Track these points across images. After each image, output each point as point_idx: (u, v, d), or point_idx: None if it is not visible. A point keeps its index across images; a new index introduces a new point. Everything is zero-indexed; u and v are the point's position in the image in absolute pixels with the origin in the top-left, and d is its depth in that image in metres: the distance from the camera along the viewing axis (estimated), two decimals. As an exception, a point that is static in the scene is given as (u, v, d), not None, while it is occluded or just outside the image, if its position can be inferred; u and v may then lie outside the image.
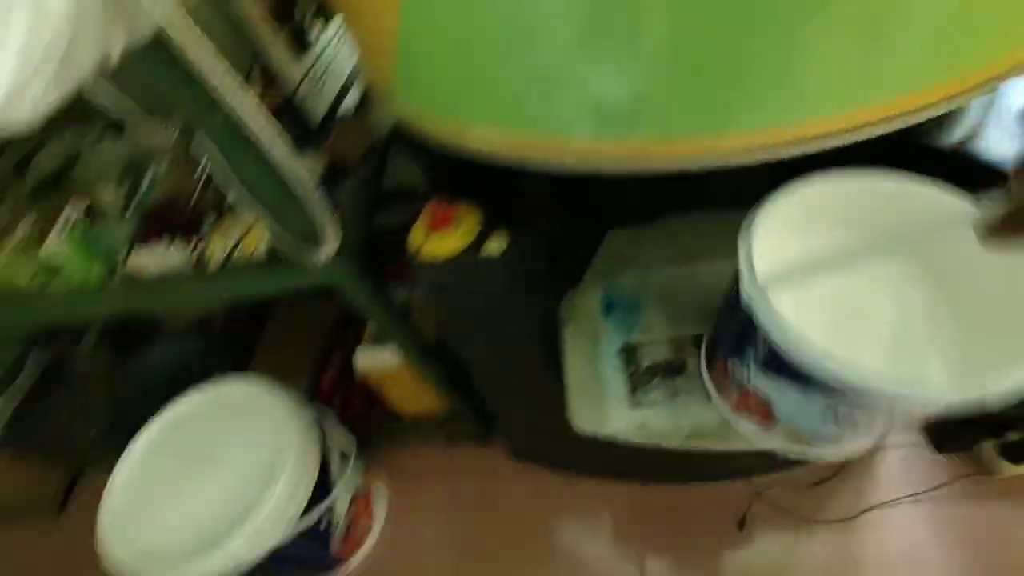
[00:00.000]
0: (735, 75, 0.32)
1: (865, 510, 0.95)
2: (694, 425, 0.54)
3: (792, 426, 0.49)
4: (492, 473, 1.16)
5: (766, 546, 0.95)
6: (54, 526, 1.36)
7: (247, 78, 0.80)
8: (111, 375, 1.53)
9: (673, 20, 0.30)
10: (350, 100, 0.87)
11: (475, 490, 1.16)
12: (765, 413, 0.49)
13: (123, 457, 0.88)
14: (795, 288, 0.40)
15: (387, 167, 0.84)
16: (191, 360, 1.42)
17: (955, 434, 0.96)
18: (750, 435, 0.52)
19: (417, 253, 0.57)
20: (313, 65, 0.78)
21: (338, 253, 0.63)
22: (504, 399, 0.89)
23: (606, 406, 0.58)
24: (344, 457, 1.00)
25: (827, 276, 0.41)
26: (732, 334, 0.47)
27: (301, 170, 0.43)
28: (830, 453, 0.51)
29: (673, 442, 0.53)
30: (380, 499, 1.14)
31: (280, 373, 1.33)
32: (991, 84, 0.34)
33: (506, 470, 1.15)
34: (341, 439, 1.02)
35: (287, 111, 0.76)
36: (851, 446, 0.50)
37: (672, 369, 0.59)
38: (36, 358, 1.56)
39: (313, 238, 0.53)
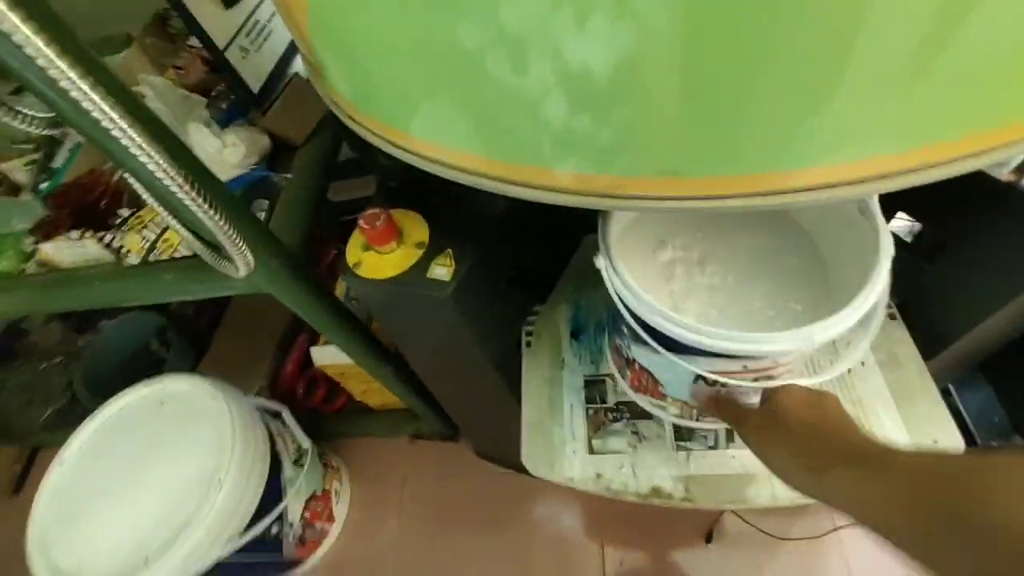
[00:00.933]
0: (759, 107, 0.24)
1: (832, 529, 0.92)
2: (654, 483, 0.48)
3: (679, 399, 0.48)
4: (457, 472, 1.12)
5: (731, 560, 0.93)
6: (10, 508, 1.32)
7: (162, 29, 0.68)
8: (67, 350, 1.46)
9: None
10: (300, 62, 0.74)
11: (440, 489, 1.12)
12: (653, 387, 0.48)
13: (54, 462, 0.82)
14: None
15: (342, 143, 0.73)
16: (150, 338, 1.34)
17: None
18: (651, 410, 0.52)
19: (353, 269, 0.49)
20: (250, 17, 0.65)
21: (268, 260, 0.55)
22: (463, 412, 0.83)
23: (561, 449, 0.51)
24: (298, 460, 0.94)
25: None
26: (610, 310, 0.47)
27: (182, 189, 0.34)
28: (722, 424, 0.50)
29: (630, 498, 0.48)
30: (342, 498, 1.09)
31: (241, 357, 1.27)
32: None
33: (472, 468, 1.11)
34: (297, 440, 0.96)
35: (222, 72, 0.64)
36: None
37: (640, 411, 0.52)
38: (-12, 329, 1.48)
39: (224, 255, 0.44)
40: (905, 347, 0.50)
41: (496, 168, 0.32)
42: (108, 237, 0.61)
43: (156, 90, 0.64)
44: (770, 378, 0.38)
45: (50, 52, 0.26)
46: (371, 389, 1.04)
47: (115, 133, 0.29)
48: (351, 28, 0.30)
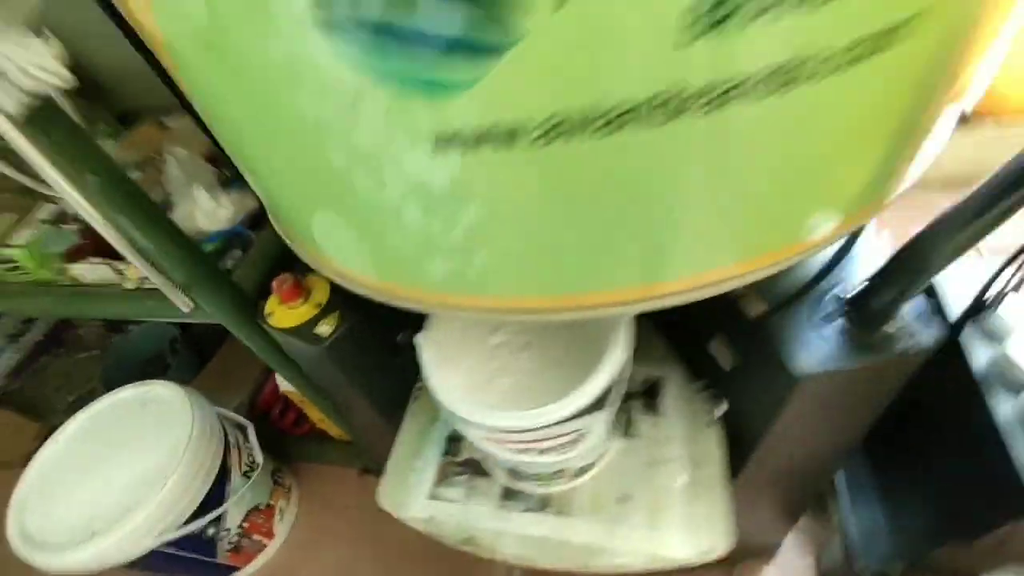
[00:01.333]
0: (588, 250, 0.30)
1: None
2: (471, 532, 0.56)
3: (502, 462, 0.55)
4: (396, 511, 1.19)
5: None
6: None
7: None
8: (102, 346, 1.68)
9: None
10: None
11: (378, 523, 1.18)
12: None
13: (49, 440, 0.98)
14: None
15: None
16: (166, 345, 1.54)
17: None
18: (487, 468, 0.59)
19: (266, 317, 0.62)
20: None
21: (218, 298, 0.70)
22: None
23: (409, 490, 0.60)
24: (248, 473, 1.06)
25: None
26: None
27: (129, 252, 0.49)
28: (541, 489, 0.58)
29: (450, 542, 0.55)
30: (286, 516, 1.19)
31: (234, 373, 1.43)
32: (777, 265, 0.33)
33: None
34: (251, 454, 1.08)
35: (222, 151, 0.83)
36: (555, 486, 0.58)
37: (481, 469, 0.61)
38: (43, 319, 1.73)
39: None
40: (713, 452, 0.57)
41: (378, 282, 0.36)
42: (117, 265, 0.79)
43: (178, 159, 0.83)
44: (540, 452, 0.47)
45: (33, 154, 0.42)
46: (327, 418, 1.16)
47: (80, 209, 0.45)
48: (231, 140, 0.37)
